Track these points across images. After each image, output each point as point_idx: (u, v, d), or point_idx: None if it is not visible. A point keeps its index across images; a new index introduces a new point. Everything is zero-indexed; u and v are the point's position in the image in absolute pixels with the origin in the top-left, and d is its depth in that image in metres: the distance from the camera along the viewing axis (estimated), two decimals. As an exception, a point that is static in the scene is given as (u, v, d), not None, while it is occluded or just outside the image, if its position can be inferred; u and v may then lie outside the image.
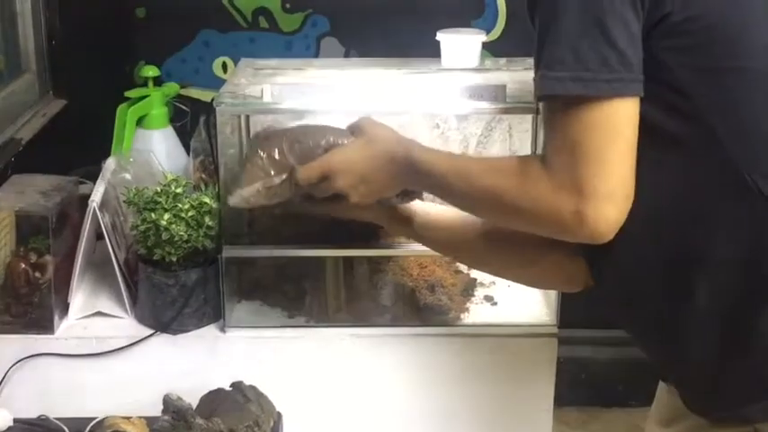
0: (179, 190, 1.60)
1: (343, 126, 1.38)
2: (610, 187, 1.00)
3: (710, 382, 1.09)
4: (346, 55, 2.20)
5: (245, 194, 1.39)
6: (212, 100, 1.55)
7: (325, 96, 1.58)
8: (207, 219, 1.58)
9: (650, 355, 1.18)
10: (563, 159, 1.01)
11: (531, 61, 1.75)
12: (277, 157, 1.36)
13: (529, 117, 1.69)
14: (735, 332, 1.05)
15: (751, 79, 1.02)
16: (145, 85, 1.92)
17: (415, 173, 1.20)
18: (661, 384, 1.30)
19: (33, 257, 1.60)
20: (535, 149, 1.61)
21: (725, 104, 1.02)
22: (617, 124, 1.00)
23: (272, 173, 1.36)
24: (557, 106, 1.01)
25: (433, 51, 1.75)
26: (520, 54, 1.80)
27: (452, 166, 1.15)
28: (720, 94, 1.02)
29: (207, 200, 1.59)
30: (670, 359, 1.14)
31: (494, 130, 1.77)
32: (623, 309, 1.16)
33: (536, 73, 1.04)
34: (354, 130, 1.33)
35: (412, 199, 1.36)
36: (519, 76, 1.71)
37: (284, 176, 1.34)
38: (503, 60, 1.87)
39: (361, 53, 2.19)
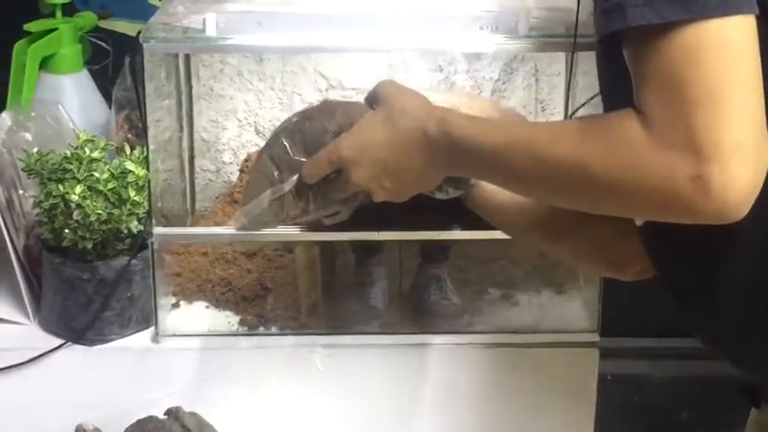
0: (96, 154, 1.59)
1: (361, 100, 1.34)
2: (737, 137, 0.96)
3: None
4: (321, -26, 2.18)
5: (251, 213, 1.37)
6: (139, 34, 1.53)
7: (288, 29, 1.56)
8: (132, 192, 1.58)
9: (748, 369, 1.16)
10: (668, 107, 0.98)
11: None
12: (280, 156, 1.34)
13: (561, 56, 1.69)
14: None
15: None
16: (52, 15, 1.89)
17: (458, 153, 1.16)
18: (754, 412, 1.26)
19: None
20: (569, 98, 1.61)
21: None
22: (736, 52, 0.97)
23: (279, 178, 1.34)
24: (649, 40, 0.98)
25: (435, -32, 1.73)
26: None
27: (509, 138, 1.11)
28: None
29: (132, 167, 1.58)
30: None
31: (514, 73, 1.77)
32: (708, 304, 1.14)
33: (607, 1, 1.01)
34: (372, 100, 1.29)
35: (459, 191, 1.34)
36: (548, 1, 1.68)
37: (294, 179, 1.33)
38: (528, -19, 1.86)
39: (342, -28, 2.16)
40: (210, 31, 1.53)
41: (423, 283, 1.72)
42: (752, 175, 0.97)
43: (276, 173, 1.34)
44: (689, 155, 0.96)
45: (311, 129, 1.34)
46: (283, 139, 1.34)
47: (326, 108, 1.36)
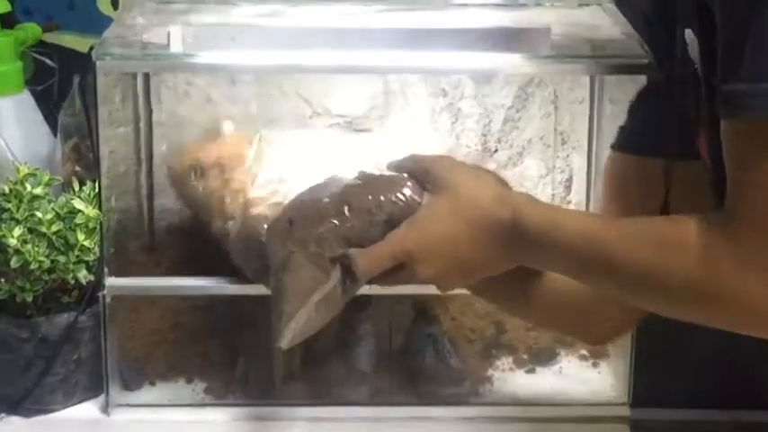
0: (38, 191, 1.60)
1: (397, 172, 1.35)
2: None
3: None
4: (305, -18, 2.19)
5: (301, 326, 1.35)
6: (90, 50, 1.54)
7: (266, 45, 1.57)
8: (81, 236, 1.58)
9: None
10: (760, 218, 1.04)
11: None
12: (315, 249, 1.34)
13: (585, 80, 1.69)
14: None
15: None
16: (-11, 26, 1.92)
17: (532, 248, 1.24)
18: None
19: None
20: (593, 128, 1.62)
21: None
22: None
23: (322, 274, 1.34)
24: (762, 138, 1.04)
25: (438, -23, 1.76)
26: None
27: (585, 239, 1.20)
28: None
29: (81, 206, 1.58)
30: None
31: (530, 99, 1.77)
32: None
33: (727, 82, 1.06)
34: (426, 180, 1.32)
35: None
36: (571, 16, 1.71)
37: (338, 274, 1.33)
38: (548, -9, 1.88)
39: (328, -21, 2.18)
40: (175, 47, 1.55)
41: (417, 344, 1.72)
42: None
43: (318, 270, 1.34)
44: (763, 270, 1.05)
45: (355, 219, 1.33)
46: (319, 226, 1.34)
47: (369, 186, 1.35)
